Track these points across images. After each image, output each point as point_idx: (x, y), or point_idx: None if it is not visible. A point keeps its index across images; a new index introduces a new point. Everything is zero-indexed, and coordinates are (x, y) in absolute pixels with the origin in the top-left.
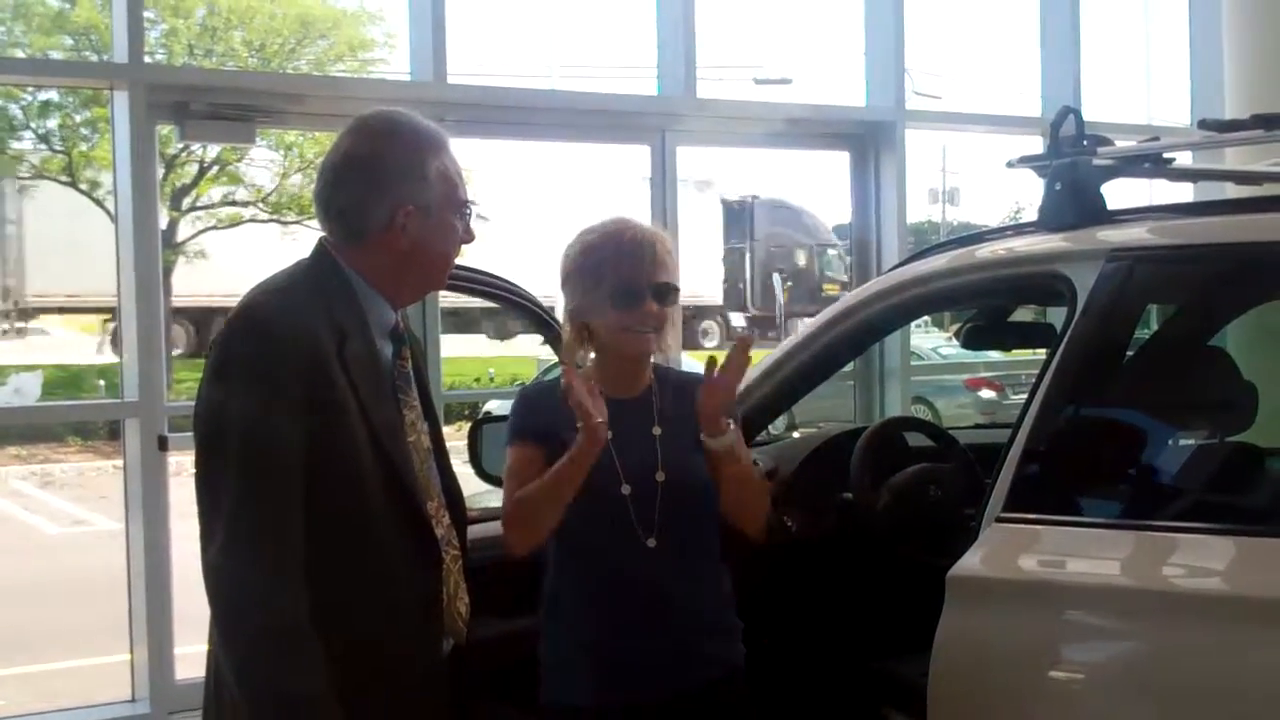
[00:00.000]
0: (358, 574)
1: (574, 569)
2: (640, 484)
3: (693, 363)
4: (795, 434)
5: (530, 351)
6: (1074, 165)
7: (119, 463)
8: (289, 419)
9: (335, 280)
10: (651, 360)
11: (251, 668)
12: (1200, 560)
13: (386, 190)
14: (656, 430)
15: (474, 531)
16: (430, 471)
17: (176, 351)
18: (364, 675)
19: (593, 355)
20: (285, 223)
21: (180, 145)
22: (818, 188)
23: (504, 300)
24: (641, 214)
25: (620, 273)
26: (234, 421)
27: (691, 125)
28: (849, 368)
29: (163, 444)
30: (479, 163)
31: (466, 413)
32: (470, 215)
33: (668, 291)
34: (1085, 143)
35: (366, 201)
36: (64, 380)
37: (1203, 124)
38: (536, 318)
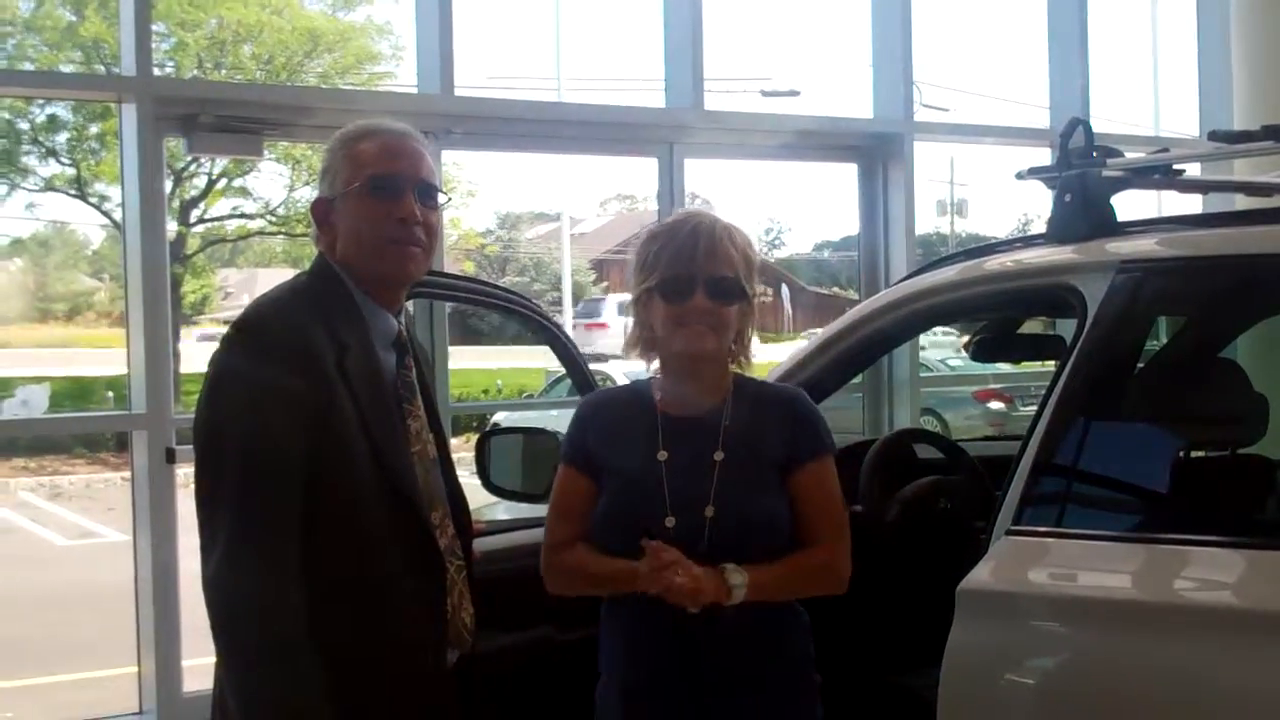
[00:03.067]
0: (359, 585)
1: (616, 602)
2: (687, 517)
3: None
4: None
5: (538, 363)
6: (1083, 177)
7: (127, 475)
8: (288, 431)
9: (335, 290)
10: (731, 371)
11: (250, 680)
12: (1212, 574)
13: (319, 193)
14: (719, 455)
15: (483, 544)
16: (435, 481)
17: None
18: (366, 686)
19: (656, 364)
20: (293, 235)
21: (189, 158)
22: (825, 200)
23: (501, 309)
24: None
25: (672, 262)
26: (233, 435)
27: (699, 138)
28: (857, 380)
29: (170, 456)
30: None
31: (475, 425)
32: (381, 189)
33: (724, 286)
34: (1094, 154)
35: (312, 209)
36: (72, 392)
37: (1213, 135)
38: (535, 323)
